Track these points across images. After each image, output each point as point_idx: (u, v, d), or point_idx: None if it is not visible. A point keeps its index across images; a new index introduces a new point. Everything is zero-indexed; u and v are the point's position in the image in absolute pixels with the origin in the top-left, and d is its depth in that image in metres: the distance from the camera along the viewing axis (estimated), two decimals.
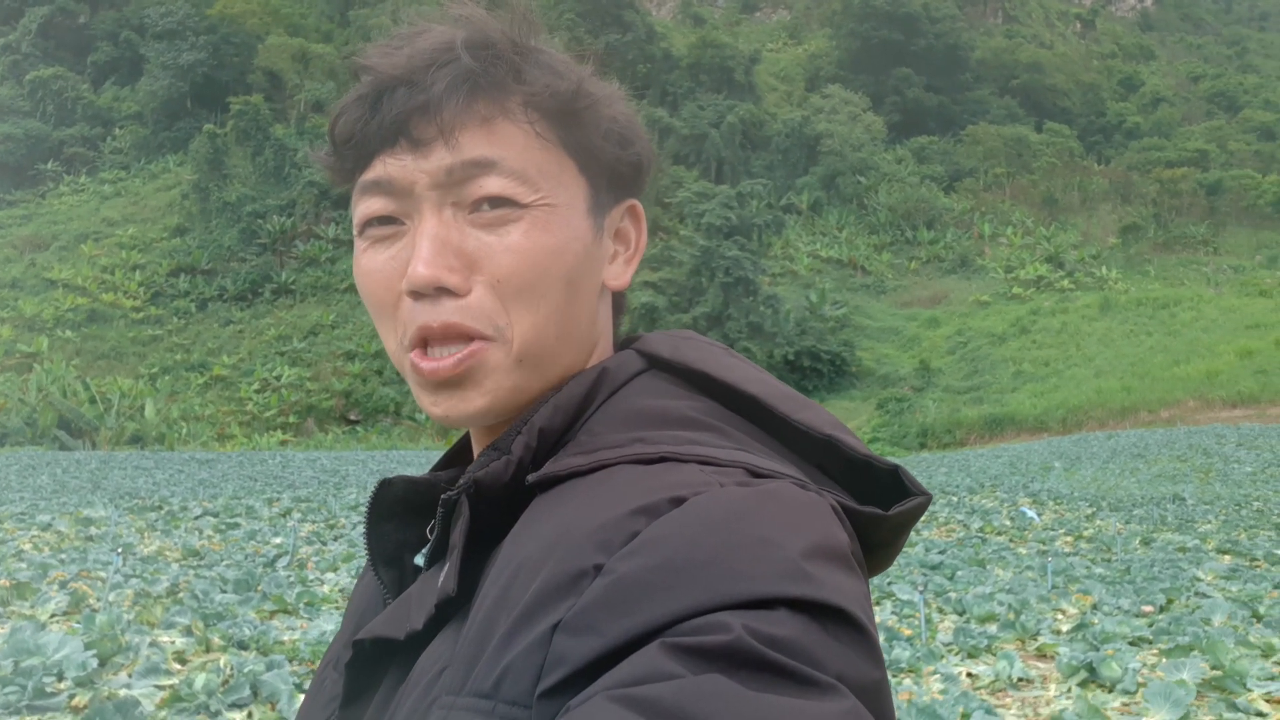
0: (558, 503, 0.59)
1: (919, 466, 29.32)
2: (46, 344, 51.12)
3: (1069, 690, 5.41)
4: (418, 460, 30.56)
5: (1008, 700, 5.37)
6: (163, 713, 4.58)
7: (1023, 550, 11.59)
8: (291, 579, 8.49)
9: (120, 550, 8.43)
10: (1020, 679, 5.66)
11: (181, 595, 7.54)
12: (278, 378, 50.58)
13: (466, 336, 0.64)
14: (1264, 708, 4.92)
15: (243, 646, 5.96)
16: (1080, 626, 6.73)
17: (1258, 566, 10.13)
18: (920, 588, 7.07)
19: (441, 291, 0.63)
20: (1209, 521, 14.31)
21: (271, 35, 78.78)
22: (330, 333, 54.73)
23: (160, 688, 4.94)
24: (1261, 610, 7.28)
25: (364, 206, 0.66)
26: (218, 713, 4.63)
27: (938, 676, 5.56)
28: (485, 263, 0.64)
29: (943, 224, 70.56)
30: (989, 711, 4.69)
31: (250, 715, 4.68)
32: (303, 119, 71.25)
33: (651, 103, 70.42)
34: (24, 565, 8.54)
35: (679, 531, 0.52)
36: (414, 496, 0.72)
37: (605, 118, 0.69)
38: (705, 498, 0.54)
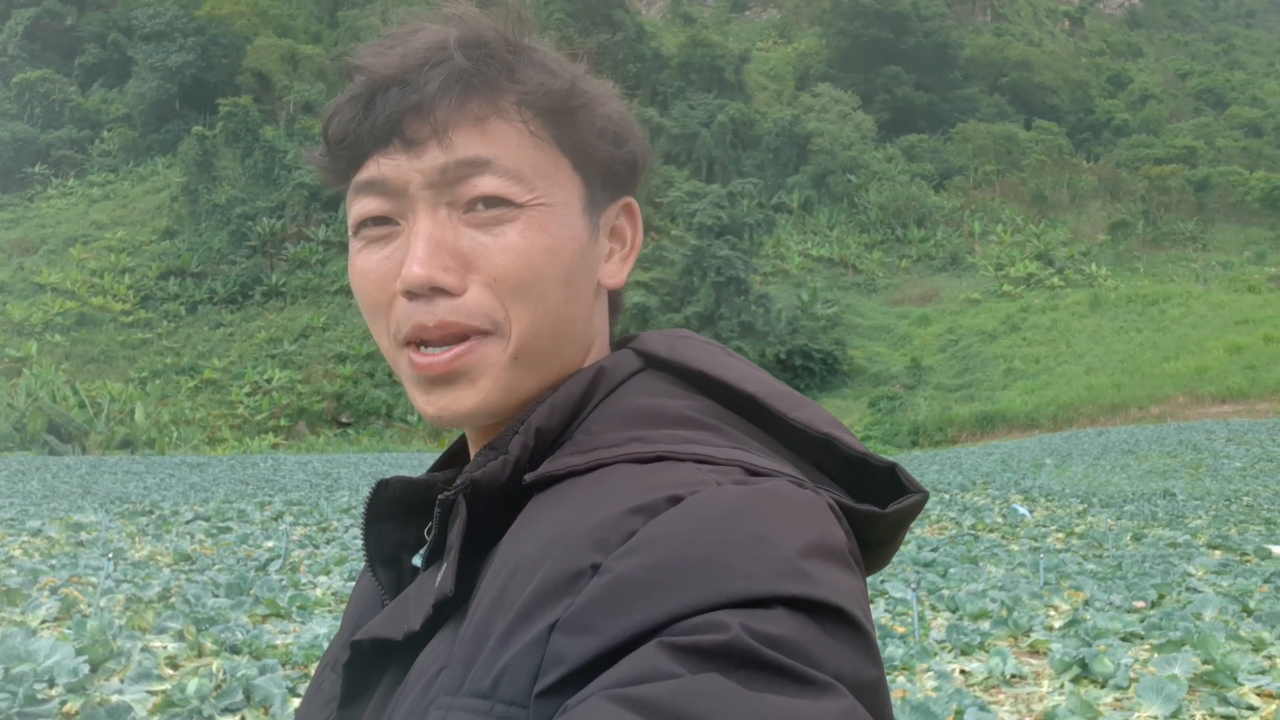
0: (555, 502, 0.59)
1: (911, 464, 29.38)
2: (35, 348, 50.83)
3: (1062, 686, 5.43)
4: (410, 463, 30.50)
5: (1001, 697, 5.39)
6: (155, 718, 4.56)
7: (1015, 547, 11.62)
8: (284, 582, 8.47)
9: (111, 555, 8.40)
10: (1013, 675, 5.68)
11: (173, 600, 7.52)
12: (269, 381, 50.41)
13: (462, 334, 0.64)
14: (1255, 701, 4.95)
15: (235, 651, 5.94)
16: (1072, 623, 6.75)
17: (1248, 561, 10.18)
18: (913, 585, 7.09)
19: (436, 291, 0.63)
20: (1199, 517, 14.37)
21: (260, 36, 78.49)
22: (321, 335, 54.57)
23: (152, 693, 4.92)
24: (1252, 605, 7.31)
25: (358, 207, 0.66)
26: (210, 717, 4.61)
27: (931, 674, 5.58)
28: (481, 262, 0.63)
29: (933, 222, 70.71)
30: (982, 708, 4.70)
31: None
32: (292, 120, 71.09)
33: (642, 102, 70.36)
34: (14, 571, 8.49)
35: (676, 530, 0.52)
36: (411, 497, 0.72)
37: (600, 116, 0.69)
38: (702, 496, 0.54)
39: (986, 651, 6.20)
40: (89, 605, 7.09)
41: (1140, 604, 7.59)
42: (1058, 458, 27.78)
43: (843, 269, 65.71)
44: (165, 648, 5.87)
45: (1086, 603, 7.68)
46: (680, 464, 0.58)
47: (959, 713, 4.63)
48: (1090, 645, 6.00)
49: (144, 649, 5.67)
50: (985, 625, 6.90)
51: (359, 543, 11.41)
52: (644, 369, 0.69)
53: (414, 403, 0.67)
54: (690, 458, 0.59)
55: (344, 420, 48.71)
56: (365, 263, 0.66)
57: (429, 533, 0.67)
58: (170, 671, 5.43)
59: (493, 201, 0.64)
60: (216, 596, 7.72)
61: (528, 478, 0.62)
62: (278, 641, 6.17)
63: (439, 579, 0.60)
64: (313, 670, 5.45)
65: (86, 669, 4.99)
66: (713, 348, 0.70)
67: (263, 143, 64.51)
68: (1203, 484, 20.08)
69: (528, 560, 0.55)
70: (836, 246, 67.35)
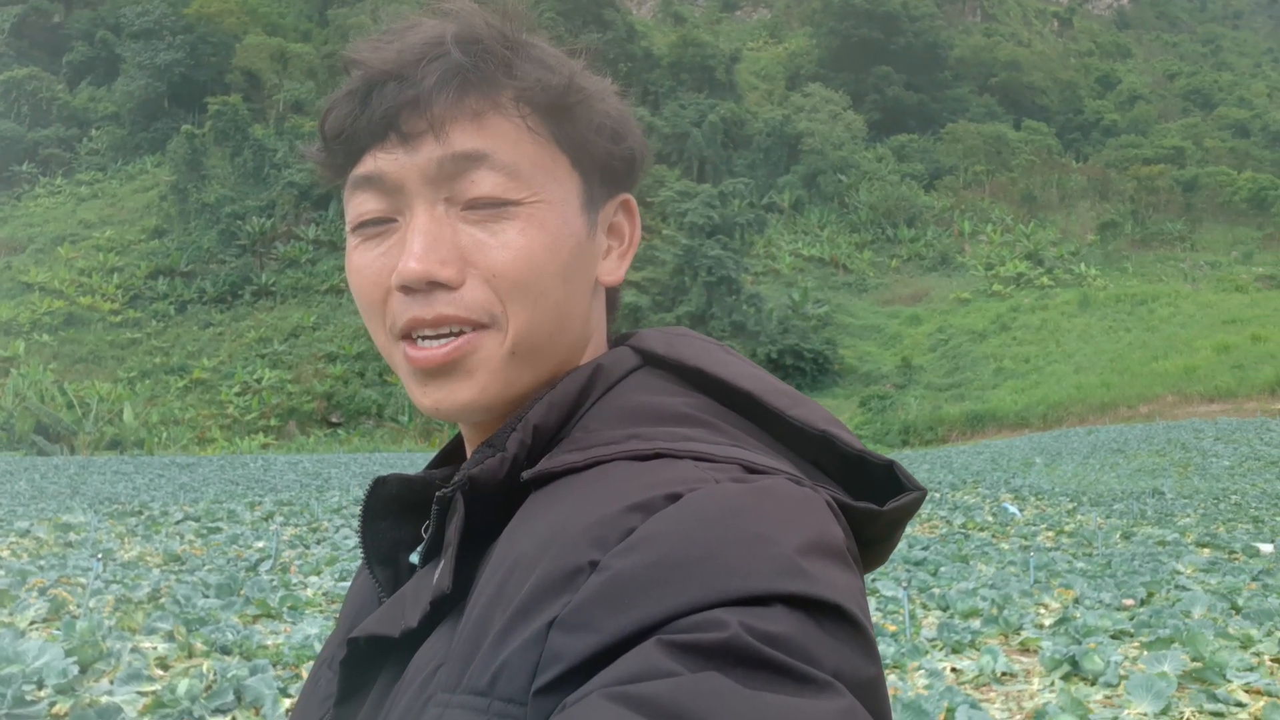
0: (553, 499, 0.59)
1: (902, 463, 29.39)
2: (23, 348, 50.53)
3: (1052, 684, 5.45)
4: (401, 463, 30.43)
5: (992, 695, 5.40)
6: (145, 719, 4.54)
7: (1005, 546, 11.66)
8: (274, 583, 8.44)
9: (100, 556, 8.37)
10: (1004, 673, 5.70)
11: (163, 601, 7.49)
12: (258, 380, 50.23)
13: (459, 328, 0.64)
14: (1243, 698, 4.98)
15: (226, 651, 5.92)
16: (1062, 620, 6.78)
17: (1236, 559, 10.24)
18: (904, 584, 7.10)
19: (434, 286, 0.63)
20: (1188, 515, 14.45)
21: (249, 35, 78.19)
22: (311, 334, 54.40)
23: (142, 694, 4.90)
24: (1240, 602, 7.35)
25: (356, 203, 0.66)
26: (201, 718, 4.60)
27: (922, 672, 5.59)
28: (479, 259, 0.63)
29: (923, 222, 70.91)
30: (973, 706, 4.71)
31: None
32: (282, 119, 70.80)
33: (633, 102, 68.09)
34: (2, 572, 8.43)
35: (675, 528, 0.52)
36: (408, 495, 0.72)
37: (597, 112, 0.69)
38: (701, 494, 0.54)
39: (977, 649, 6.22)
40: (78, 606, 7.05)
41: (1130, 602, 7.62)
42: (1047, 457, 27.89)
43: (833, 269, 65.82)
44: (155, 648, 5.85)
45: (1076, 601, 7.71)
46: (679, 461, 0.58)
47: (950, 710, 4.64)
48: (1080, 643, 6.03)
49: (134, 650, 5.65)
50: (976, 623, 6.92)
51: (350, 543, 11.39)
52: (641, 366, 0.69)
53: (411, 396, 0.67)
54: (689, 455, 0.59)
55: (334, 420, 48.57)
56: (362, 258, 0.66)
57: (426, 530, 0.66)
58: (160, 672, 5.40)
59: (490, 198, 0.63)
60: (207, 597, 7.69)
61: (526, 475, 0.62)
62: (268, 642, 6.15)
63: (437, 576, 0.60)
64: (304, 671, 5.44)
65: (76, 670, 4.96)
66: (710, 345, 0.70)
67: (252, 141, 64.26)
68: (1191, 482, 20.19)
69: (526, 557, 0.55)
70: (827, 246, 67.47)
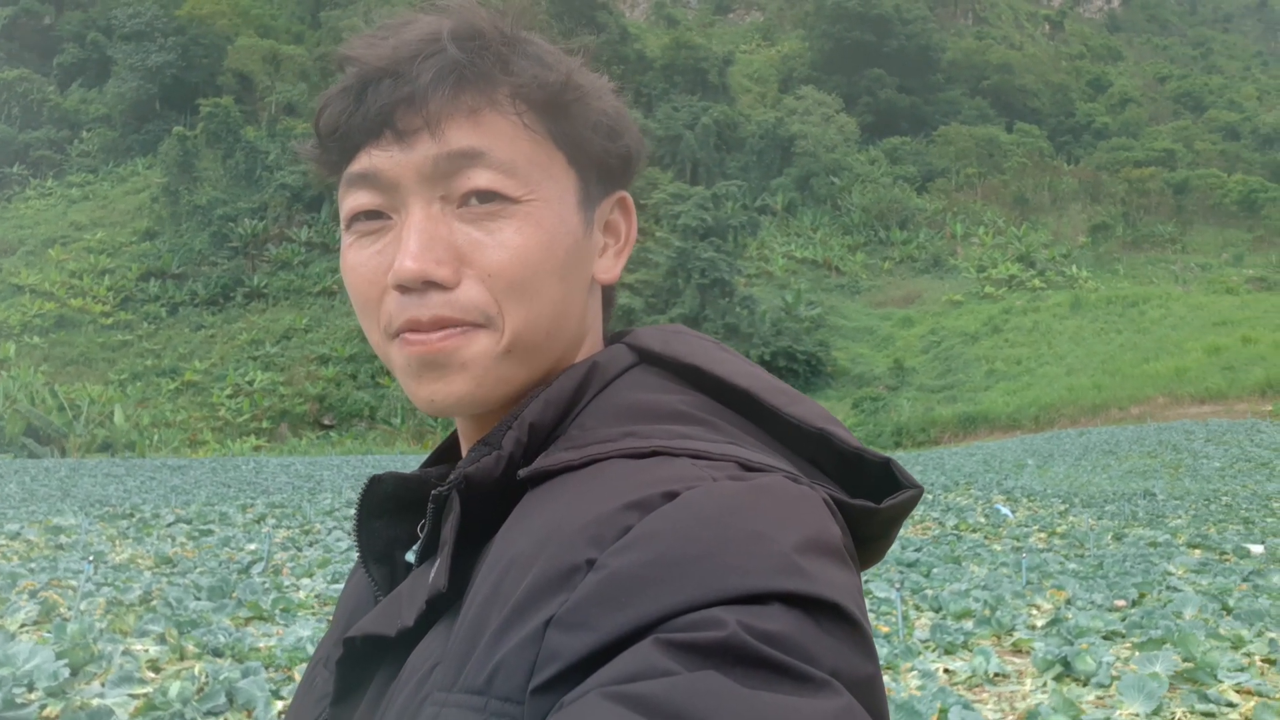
0: (549, 498, 0.58)
1: None
2: (13, 350, 50.32)
3: (1044, 684, 5.46)
4: (393, 465, 30.37)
5: (984, 695, 5.41)
6: None
7: (997, 547, 11.69)
8: (267, 585, 8.41)
9: (91, 558, 8.32)
10: (996, 674, 5.71)
11: (155, 603, 7.46)
12: (250, 383, 50.09)
13: (456, 327, 0.63)
14: (1234, 698, 5.00)
15: (218, 654, 5.90)
16: (1055, 621, 6.80)
17: (1227, 560, 10.27)
18: (897, 585, 7.11)
19: (429, 285, 0.62)
20: (1179, 516, 14.49)
21: (241, 37, 78.05)
22: (303, 337, 54.27)
23: (134, 696, 4.88)
24: (1231, 603, 7.38)
25: (351, 200, 0.66)
26: None
27: (915, 673, 5.60)
28: (475, 258, 0.63)
29: (915, 224, 71.07)
30: (966, 707, 4.72)
31: None
32: (274, 121, 70.66)
33: (626, 104, 70.22)
34: None
35: (672, 526, 0.51)
36: (404, 493, 0.72)
37: (594, 110, 0.68)
38: (698, 492, 0.54)
39: (970, 650, 6.23)
40: (69, 608, 7.02)
41: (1121, 603, 7.64)
42: (1039, 458, 27.96)
43: (826, 271, 65.93)
44: (147, 651, 5.82)
45: (1068, 602, 7.72)
46: (675, 459, 0.58)
47: (943, 711, 4.65)
48: (1072, 644, 6.04)
49: (125, 652, 5.62)
50: (969, 624, 6.93)
51: (342, 545, 11.36)
52: (638, 364, 0.69)
53: (406, 390, 0.66)
54: (685, 453, 0.58)
55: (326, 422, 48.46)
56: (357, 257, 0.66)
57: (422, 529, 0.66)
58: (152, 675, 5.38)
59: (486, 196, 0.63)
60: (198, 599, 7.66)
61: (522, 473, 0.62)
62: (260, 644, 6.13)
63: (432, 574, 0.60)
64: (296, 673, 5.43)
65: (67, 673, 4.94)
66: (706, 343, 0.70)
67: (244, 143, 64.11)
68: (1182, 484, 20.26)
69: (522, 556, 0.54)
70: (820, 248, 67.59)
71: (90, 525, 13.16)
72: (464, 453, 0.73)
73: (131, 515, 15.03)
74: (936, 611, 7.57)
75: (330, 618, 0.78)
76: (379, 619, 0.63)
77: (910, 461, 30.49)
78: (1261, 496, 16.86)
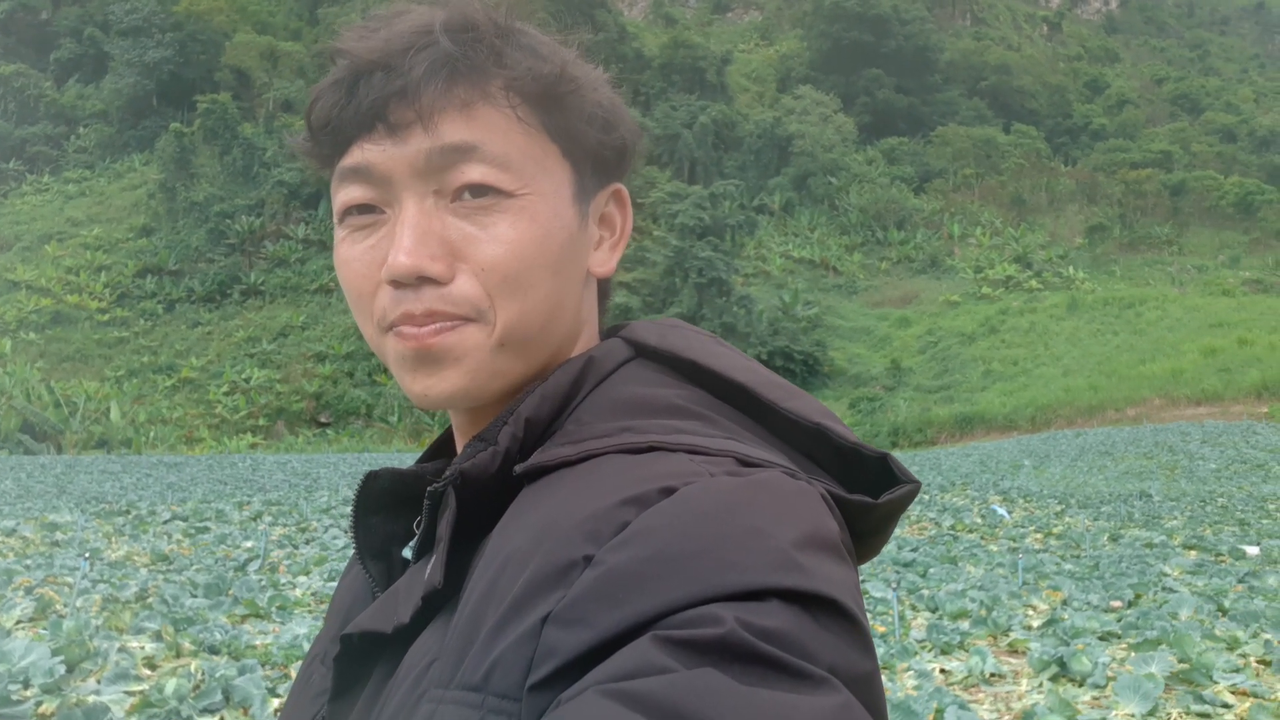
0: (546, 493, 0.58)
1: None
2: (9, 346, 50.22)
3: (1040, 685, 5.47)
4: (390, 463, 30.29)
5: (980, 695, 5.42)
6: (133, 719, 4.52)
7: (994, 547, 11.70)
8: (263, 583, 8.41)
9: (87, 555, 8.30)
10: (992, 674, 5.72)
11: (151, 600, 7.45)
12: (247, 380, 50.02)
13: (449, 321, 0.63)
14: (1229, 699, 5.01)
15: (214, 651, 5.89)
16: (1051, 622, 6.81)
17: (1222, 561, 10.30)
18: (893, 585, 7.12)
19: (423, 280, 0.62)
20: (1175, 518, 14.52)
21: (239, 33, 77.91)
22: (300, 334, 54.20)
23: (130, 694, 4.88)
24: (1226, 604, 7.40)
25: (343, 194, 0.65)
26: (189, 718, 4.57)
27: (911, 673, 5.61)
28: (469, 253, 0.62)
29: (913, 224, 71.14)
30: (962, 707, 4.73)
31: None
32: (271, 118, 70.49)
33: (624, 102, 70.39)
34: None
35: (670, 522, 0.51)
36: (400, 489, 0.71)
37: (589, 102, 0.67)
38: (695, 488, 0.53)
39: (966, 650, 6.24)
40: (65, 605, 7.01)
41: (1117, 603, 7.66)
42: (1036, 459, 28.00)
43: (823, 270, 65.97)
44: (143, 648, 5.82)
45: (1064, 602, 7.74)
46: (672, 454, 0.57)
47: (939, 711, 4.66)
48: (1068, 644, 6.05)
49: (121, 649, 5.61)
50: (965, 625, 6.94)
51: (339, 543, 11.35)
52: (634, 358, 0.68)
53: (400, 384, 0.66)
54: (682, 448, 0.58)
55: (323, 420, 48.42)
56: (350, 251, 0.65)
57: (418, 525, 0.66)
58: (148, 672, 5.38)
59: (480, 190, 0.62)
60: (195, 597, 7.66)
61: (518, 469, 0.61)
62: (257, 642, 6.13)
63: (428, 571, 0.60)
64: (292, 671, 5.42)
65: (62, 669, 4.93)
66: (703, 337, 0.70)
67: (241, 140, 63.99)
68: (1178, 485, 20.30)
69: (519, 552, 0.54)
70: (817, 248, 67.63)
71: (86, 522, 13.14)
72: (459, 448, 0.72)
73: (128, 512, 15.01)
74: (933, 611, 7.58)
75: (326, 616, 0.83)
76: (376, 615, 0.63)
77: (907, 462, 30.45)
78: (1257, 498, 16.90)
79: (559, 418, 0.65)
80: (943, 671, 5.83)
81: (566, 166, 0.67)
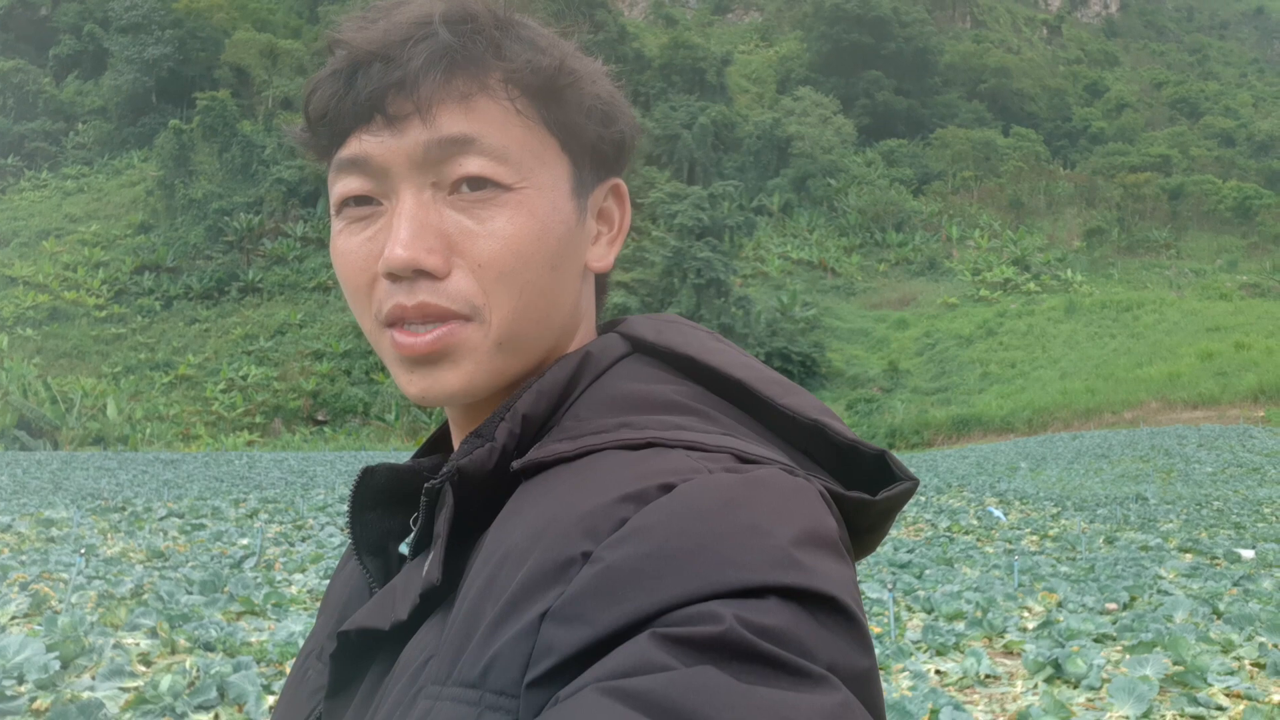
0: (543, 490, 0.58)
1: None
2: (6, 342, 50.13)
3: (1035, 686, 5.48)
4: (386, 460, 30.30)
5: (975, 697, 5.43)
6: (127, 715, 4.52)
7: (989, 549, 11.71)
8: (259, 580, 8.40)
9: (83, 551, 8.31)
10: (987, 676, 5.73)
11: (146, 597, 7.44)
12: (244, 377, 49.98)
13: (442, 316, 0.62)
14: (1224, 702, 5.02)
15: (209, 648, 5.89)
16: (1046, 624, 6.82)
17: (1218, 565, 10.31)
18: (889, 586, 7.13)
19: (419, 274, 0.61)
20: (1171, 521, 14.54)
21: (239, 30, 77.82)
22: (298, 332, 54.17)
23: (125, 690, 4.87)
24: (1221, 607, 7.41)
25: (341, 185, 0.65)
26: (184, 715, 4.57)
27: (906, 674, 5.61)
28: (466, 246, 0.62)
29: (911, 226, 71.20)
30: (957, 708, 4.74)
31: (217, 717, 4.62)
32: (271, 115, 70.41)
33: (623, 97, 70.43)
34: None
35: (668, 519, 0.51)
36: (397, 485, 0.71)
37: (588, 95, 0.67)
38: (694, 484, 0.53)
39: (961, 652, 6.25)
40: (60, 601, 7.00)
41: (1112, 606, 7.67)
42: (1032, 461, 28.03)
43: (822, 272, 66.00)
44: (138, 644, 5.82)
45: (1060, 604, 7.75)
46: (670, 451, 0.57)
47: (934, 712, 4.66)
48: (1063, 646, 6.06)
49: (116, 646, 5.61)
50: (960, 626, 6.95)
51: (334, 540, 11.35)
52: (631, 353, 0.68)
53: (397, 382, 0.66)
54: (680, 444, 0.58)
55: (320, 418, 48.37)
56: (347, 243, 0.65)
57: (415, 521, 0.65)
58: (143, 668, 5.37)
59: (478, 183, 0.62)
60: (190, 594, 7.65)
61: (515, 465, 0.61)
62: (252, 639, 6.12)
63: (426, 568, 0.60)
64: (287, 668, 5.42)
65: (57, 665, 4.93)
66: (701, 333, 0.69)
67: (240, 138, 63.94)
68: (1174, 488, 20.33)
69: (517, 548, 0.54)
70: (816, 250, 67.67)
71: (82, 518, 13.12)
72: (455, 443, 0.72)
73: (123, 509, 14.99)
74: (928, 613, 7.59)
75: (320, 610, 0.82)
76: (373, 612, 0.63)
77: (904, 463, 30.55)
78: (1253, 502, 16.92)
79: (556, 413, 0.64)
80: (938, 673, 5.84)
81: (565, 160, 0.66)
